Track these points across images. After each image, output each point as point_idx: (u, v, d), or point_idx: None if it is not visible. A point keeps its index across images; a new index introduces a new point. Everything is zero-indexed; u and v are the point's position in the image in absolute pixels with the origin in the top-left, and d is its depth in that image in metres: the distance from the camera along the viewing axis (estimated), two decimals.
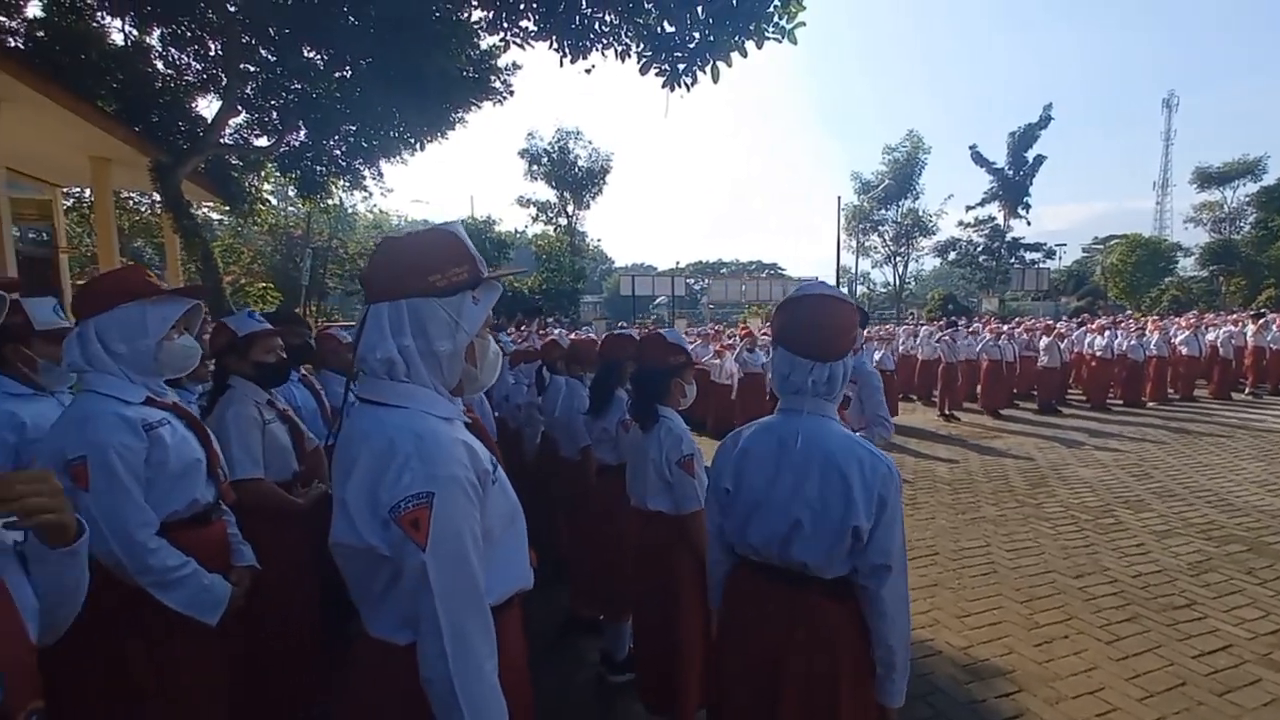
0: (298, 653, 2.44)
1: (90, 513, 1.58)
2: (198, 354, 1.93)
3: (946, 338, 10.91)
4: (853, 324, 1.57)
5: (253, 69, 8.51)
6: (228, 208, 10.64)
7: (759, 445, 1.61)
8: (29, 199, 8.34)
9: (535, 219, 32.59)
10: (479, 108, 9.67)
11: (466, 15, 7.01)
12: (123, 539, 1.60)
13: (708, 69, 4.96)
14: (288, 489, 2.51)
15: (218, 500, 1.92)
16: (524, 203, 32.58)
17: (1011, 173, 34.05)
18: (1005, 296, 34.25)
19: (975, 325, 12.73)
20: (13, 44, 7.24)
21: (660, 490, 2.37)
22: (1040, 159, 33.82)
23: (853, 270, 34.91)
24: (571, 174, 31.35)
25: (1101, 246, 47.71)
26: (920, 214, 35.84)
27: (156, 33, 8.06)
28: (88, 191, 11.59)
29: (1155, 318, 14.40)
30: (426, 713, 1.05)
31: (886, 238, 36.77)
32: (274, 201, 14.89)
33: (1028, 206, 34.56)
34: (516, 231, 32.22)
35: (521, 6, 6.06)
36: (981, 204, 35.65)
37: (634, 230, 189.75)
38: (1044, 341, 10.90)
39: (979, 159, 34.59)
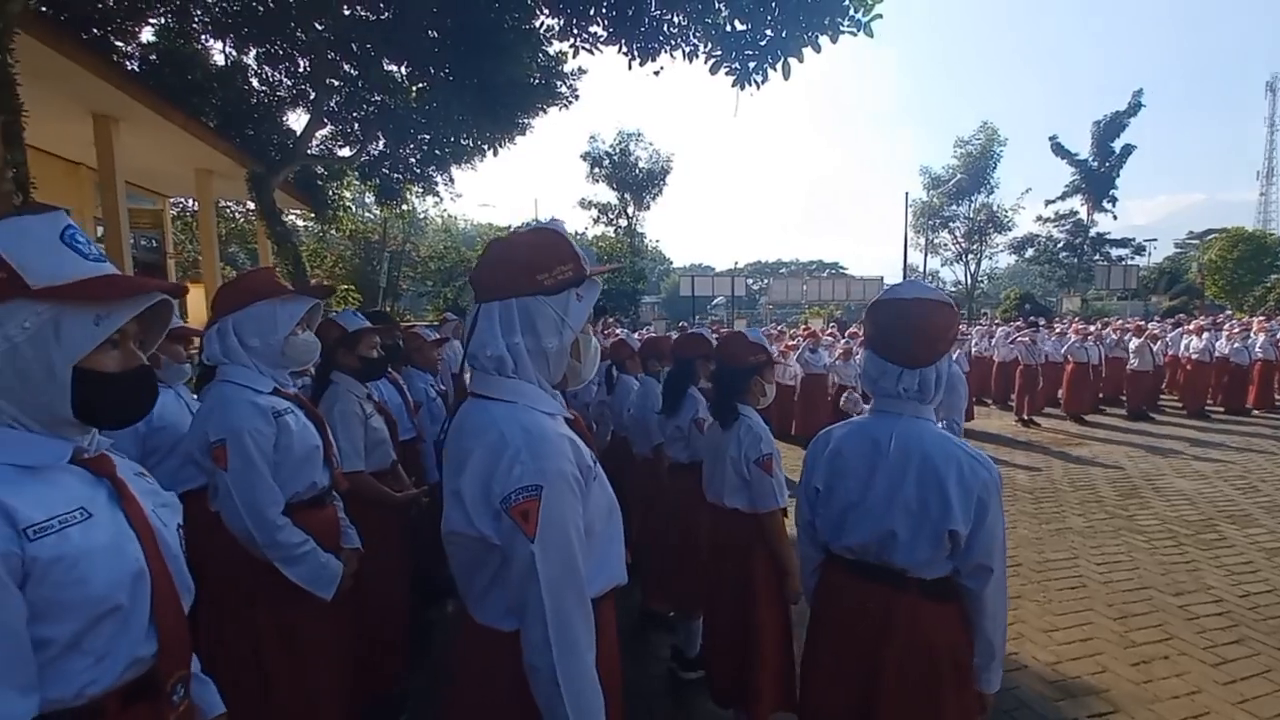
0: (391, 631, 2.60)
1: (228, 491, 1.75)
2: (318, 348, 2.09)
3: (1025, 338, 10.39)
4: (948, 327, 1.50)
5: (337, 83, 9.01)
6: (314, 214, 11.32)
7: (851, 446, 1.59)
8: (143, 209, 9.15)
9: (596, 221, 33.05)
10: (545, 113, 9.91)
11: (539, 24, 7.20)
12: (255, 515, 1.75)
13: (779, 66, 4.92)
14: (384, 477, 2.68)
15: (331, 485, 2.07)
16: (585, 205, 33.09)
17: (1096, 164, 32.12)
18: (1088, 295, 32.28)
19: (1060, 326, 12.07)
20: (129, 67, 7.94)
21: (738, 488, 2.38)
22: (1129, 149, 31.76)
23: (920, 269, 33.62)
24: (632, 176, 31.62)
25: (1198, 241, 44.26)
26: (995, 209, 34.24)
27: (253, 53, 8.67)
28: (189, 201, 12.55)
29: (1261, 318, 13.24)
30: (529, 697, 1.09)
31: (958, 234, 35.30)
32: (353, 208, 15.70)
33: (1114, 200, 32.53)
34: (577, 234, 32.75)
35: (591, 12, 6.16)
36: (1063, 198, 33.80)
37: (692, 231, 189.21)
38: (1134, 343, 10.23)
39: (1060, 150, 32.77)
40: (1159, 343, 10.66)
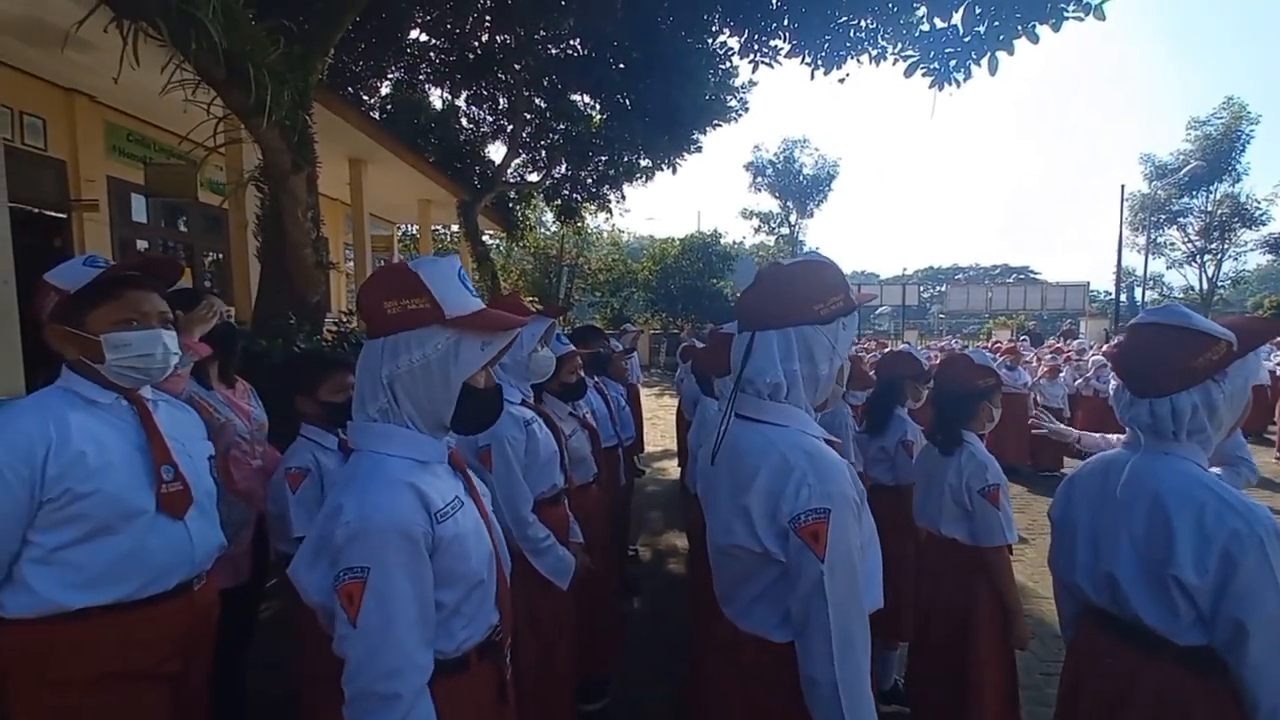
0: (605, 623, 2.81)
1: (492, 489, 2.03)
2: (554, 363, 2.34)
3: None
4: (1189, 356, 1.32)
5: (529, 116, 9.97)
6: (505, 234, 12.60)
7: (1086, 476, 1.51)
8: (379, 235, 10.83)
9: (758, 230, 32.80)
10: (715, 129, 10.10)
11: (719, 44, 7.37)
12: (513, 511, 2.02)
13: (984, 61, 4.55)
14: (586, 490, 2.81)
15: (565, 486, 2.31)
16: (747, 214, 32.98)
17: None
18: None
19: None
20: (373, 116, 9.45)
21: (957, 517, 2.26)
22: None
23: (1138, 273, 28.85)
24: (795, 183, 30.97)
25: None
26: (1243, 200, 28.45)
27: (463, 95, 9.90)
28: (410, 227, 14.55)
29: None
30: (797, 705, 1.14)
31: (1190, 232, 29.82)
32: (535, 226, 17.20)
33: None
34: (734, 243, 32.90)
35: (774, 26, 6.18)
36: None
37: (855, 237, 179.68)
38: None
39: None
40: None
